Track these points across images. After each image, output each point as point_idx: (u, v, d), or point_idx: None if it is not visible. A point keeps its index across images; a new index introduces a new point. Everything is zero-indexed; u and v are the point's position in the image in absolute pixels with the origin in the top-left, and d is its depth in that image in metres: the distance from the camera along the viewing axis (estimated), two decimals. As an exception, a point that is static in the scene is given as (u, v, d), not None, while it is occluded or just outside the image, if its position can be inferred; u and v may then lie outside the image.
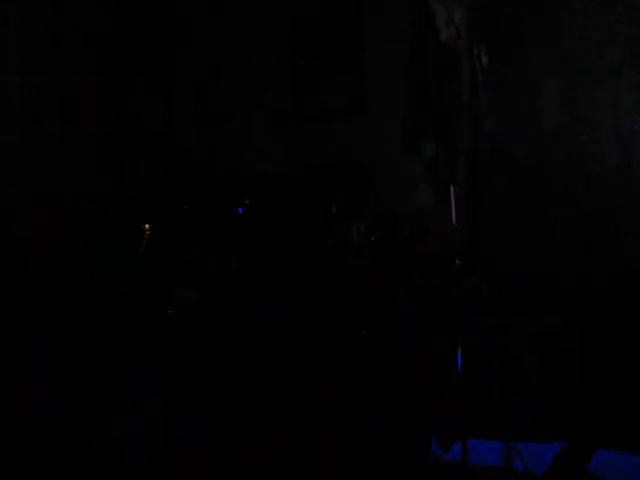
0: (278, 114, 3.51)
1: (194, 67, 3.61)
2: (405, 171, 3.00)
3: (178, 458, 2.08)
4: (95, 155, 3.22)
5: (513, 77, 2.65)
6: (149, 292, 2.75)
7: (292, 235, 2.92)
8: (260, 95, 3.55)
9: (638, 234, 2.36)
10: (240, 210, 3.07)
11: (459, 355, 2.35)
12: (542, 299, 2.47)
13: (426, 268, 2.62)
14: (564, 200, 2.53)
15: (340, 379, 2.34)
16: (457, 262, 2.62)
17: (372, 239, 2.81)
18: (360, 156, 3.11)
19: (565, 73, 2.51)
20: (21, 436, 2.21)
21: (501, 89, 2.69)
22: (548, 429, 2.39)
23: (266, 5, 3.50)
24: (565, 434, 2.29)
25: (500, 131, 2.70)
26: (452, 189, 2.78)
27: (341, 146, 3.26)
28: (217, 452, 2.15)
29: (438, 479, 2.27)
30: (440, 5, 2.82)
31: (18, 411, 2.29)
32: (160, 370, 2.46)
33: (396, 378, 2.32)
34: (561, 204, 2.54)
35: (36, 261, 2.82)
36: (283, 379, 2.42)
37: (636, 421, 2.11)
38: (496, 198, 2.72)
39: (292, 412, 2.30)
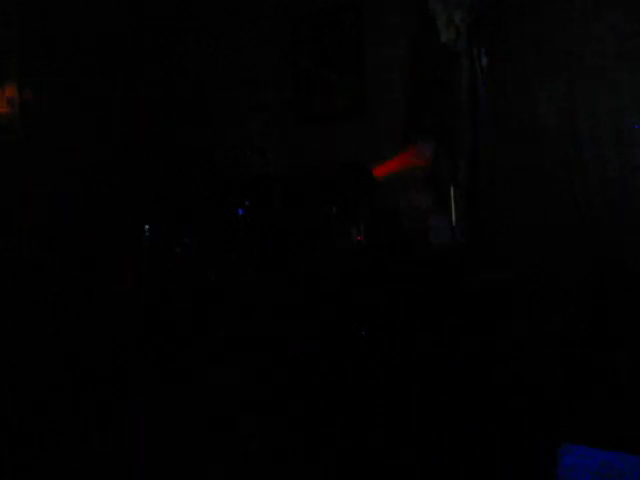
0: (279, 115, 3.52)
1: (195, 67, 3.62)
2: (405, 172, 2.99)
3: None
4: (96, 155, 3.23)
5: (513, 77, 2.64)
6: (149, 292, 2.75)
7: (292, 236, 2.91)
8: (261, 96, 3.56)
9: (638, 234, 2.35)
10: (240, 211, 3.07)
11: (459, 355, 2.33)
12: (542, 299, 2.46)
13: (426, 268, 2.61)
14: (564, 200, 2.52)
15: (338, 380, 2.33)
16: (457, 262, 2.61)
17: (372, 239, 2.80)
18: (360, 157, 3.11)
19: (565, 73, 2.51)
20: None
21: (501, 89, 2.69)
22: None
23: (268, 6, 3.52)
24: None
25: (500, 131, 2.70)
26: (452, 189, 2.78)
27: (341, 147, 3.26)
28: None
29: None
30: (440, 6, 2.82)
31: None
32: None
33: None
34: (561, 204, 2.53)
35: (35, 261, 2.82)
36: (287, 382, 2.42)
37: (636, 421, 2.10)
38: (496, 198, 2.71)
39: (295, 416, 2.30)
